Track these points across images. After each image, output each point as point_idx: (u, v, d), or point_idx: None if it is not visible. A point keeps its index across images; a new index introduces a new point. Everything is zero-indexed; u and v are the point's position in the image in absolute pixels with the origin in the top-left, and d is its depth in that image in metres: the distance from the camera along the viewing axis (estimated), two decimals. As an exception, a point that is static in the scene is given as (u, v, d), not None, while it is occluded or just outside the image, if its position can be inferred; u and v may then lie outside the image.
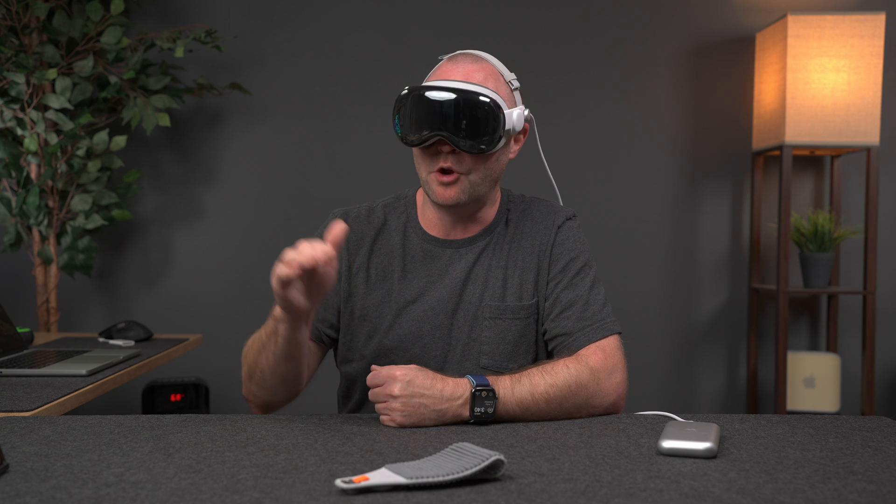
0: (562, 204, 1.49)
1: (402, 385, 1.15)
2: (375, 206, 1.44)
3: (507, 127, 1.30)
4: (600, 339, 1.32)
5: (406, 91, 1.31)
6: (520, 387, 1.20)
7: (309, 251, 1.06)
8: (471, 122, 1.27)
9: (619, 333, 1.35)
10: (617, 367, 1.29)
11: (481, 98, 1.27)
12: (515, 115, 1.32)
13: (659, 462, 0.99)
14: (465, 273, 1.38)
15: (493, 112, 1.28)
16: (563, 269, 1.38)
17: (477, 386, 1.17)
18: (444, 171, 1.31)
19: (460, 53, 1.36)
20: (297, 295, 1.11)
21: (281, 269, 1.07)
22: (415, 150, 1.34)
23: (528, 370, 1.24)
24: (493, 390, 1.17)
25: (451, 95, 1.27)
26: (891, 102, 3.01)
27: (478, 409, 1.17)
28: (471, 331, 1.36)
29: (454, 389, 1.17)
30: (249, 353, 1.30)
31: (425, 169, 1.33)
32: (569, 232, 1.41)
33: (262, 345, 1.25)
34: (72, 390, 1.56)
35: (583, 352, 1.30)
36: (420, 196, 1.44)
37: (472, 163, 1.31)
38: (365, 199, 3.06)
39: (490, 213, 1.41)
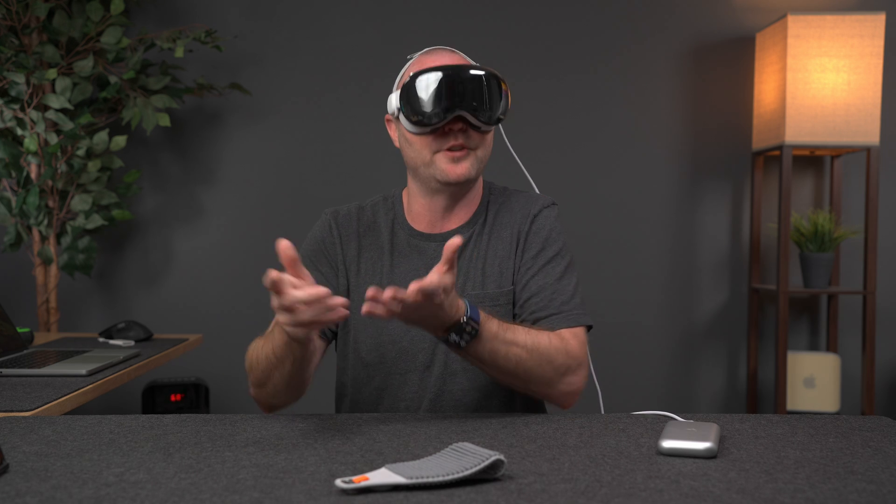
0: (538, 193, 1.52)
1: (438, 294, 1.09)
2: (365, 206, 1.48)
3: (508, 100, 1.36)
4: (568, 328, 1.32)
5: (413, 76, 1.31)
6: (502, 335, 1.20)
7: (298, 294, 1.02)
8: (486, 96, 1.31)
9: (589, 327, 1.34)
10: (583, 364, 1.30)
11: (489, 73, 1.32)
12: (509, 92, 1.39)
13: (659, 462, 0.99)
14: None
15: (500, 86, 1.33)
16: (536, 256, 1.38)
17: (468, 317, 1.15)
18: (453, 148, 1.33)
19: (434, 49, 1.40)
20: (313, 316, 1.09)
21: (298, 324, 1.04)
22: (414, 136, 1.34)
23: (515, 326, 1.24)
24: (477, 330, 1.16)
25: (466, 72, 1.30)
26: (891, 102, 3.01)
27: (454, 337, 1.16)
28: None
29: (455, 313, 1.14)
30: (257, 365, 1.27)
31: (430, 150, 1.34)
32: (545, 220, 1.41)
33: (274, 362, 1.23)
34: (72, 390, 1.56)
35: (563, 334, 1.30)
36: (406, 194, 1.46)
37: (479, 139, 1.35)
38: (364, 198, 3.06)
39: (473, 203, 1.43)
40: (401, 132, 1.38)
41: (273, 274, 1.01)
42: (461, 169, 1.33)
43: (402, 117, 1.34)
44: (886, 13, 2.99)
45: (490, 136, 1.38)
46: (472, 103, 1.30)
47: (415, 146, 1.35)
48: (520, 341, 1.22)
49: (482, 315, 1.19)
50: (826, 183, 3.04)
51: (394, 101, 1.36)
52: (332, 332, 1.42)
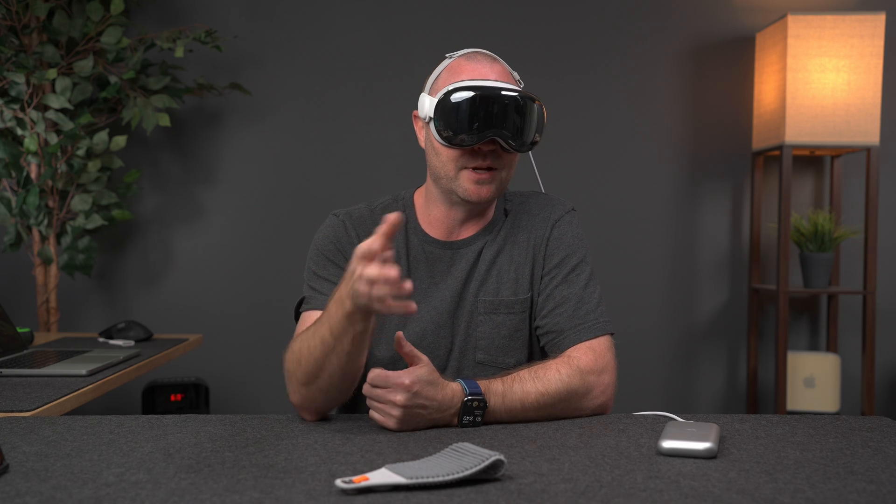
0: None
1: (409, 396, 1.12)
2: (375, 208, 1.44)
3: (543, 124, 1.34)
4: (591, 339, 1.31)
5: (453, 89, 1.28)
6: (511, 395, 1.20)
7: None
8: (523, 121, 1.29)
9: (612, 334, 1.34)
10: (607, 369, 1.29)
11: (533, 98, 1.30)
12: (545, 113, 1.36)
13: (659, 462, 0.99)
14: (465, 273, 1.38)
15: (539, 111, 1.32)
16: (559, 265, 1.37)
17: (469, 395, 1.17)
18: (478, 169, 1.31)
19: (474, 52, 1.35)
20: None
21: (379, 289, 1.04)
22: (443, 148, 1.31)
23: (520, 374, 1.23)
24: (484, 400, 1.17)
25: (509, 96, 1.27)
26: (891, 102, 3.01)
27: (466, 418, 1.17)
28: (468, 326, 1.37)
29: (451, 399, 1.16)
30: (308, 356, 1.18)
31: (456, 165, 1.31)
32: (566, 227, 1.40)
33: (330, 343, 1.15)
34: (72, 390, 1.56)
35: (573, 353, 1.29)
36: (419, 197, 1.43)
37: (508, 160, 1.33)
38: (364, 198, 3.05)
39: (490, 211, 1.42)
40: (429, 138, 1.35)
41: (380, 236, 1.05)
42: (484, 191, 1.31)
43: (433, 128, 1.31)
44: (886, 13, 2.99)
45: (517, 157, 1.36)
46: (509, 128, 1.28)
47: (441, 157, 1.32)
48: (530, 390, 1.21)
49: (481, 385, 1.19)
50: (826, 183, 3.04)
51: (427, 105, 1.33)
52: None
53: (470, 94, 1.27)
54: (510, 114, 1.27)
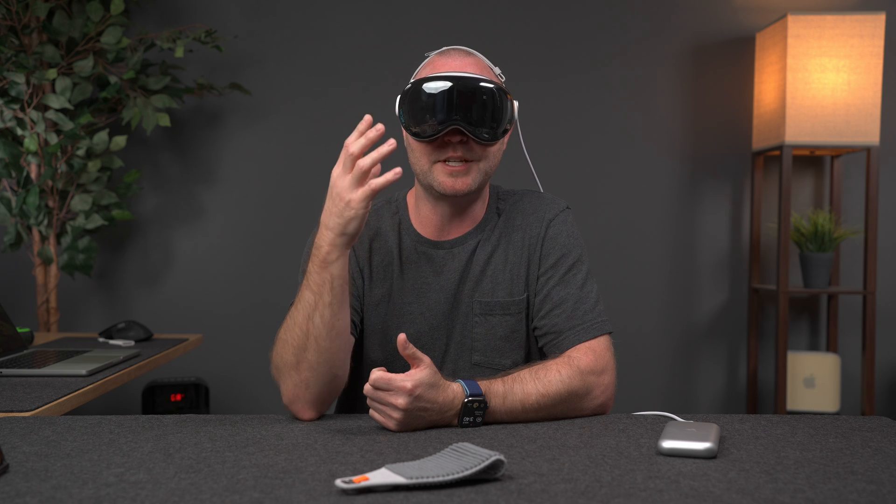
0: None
1: (410, 400, 1.12)
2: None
3: (512, 114, 1.32)
4: (591, 339, 1.31)
5: (413, 83, 1.29)
6: (512, 396, 1.20)
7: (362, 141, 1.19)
8: (484, 109, 1.27)
9: (610, 333, 1.34)
10: (607, 369, 1.29)
11: (491, 85, 1.28)
12: (514, 104, 1.34)
13: (659, 462, 0.99)
14: (458, 273, 1.37)
15: (502, 99, 1.29)
16: (555, 265, 1.36)
17: (469, 396, 1.16)
18: (451, 161, 1.30)
19: (450, 48, 1.36)
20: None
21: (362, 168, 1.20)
22: (415, 143, 1.32)
23: (521, 374, 1.23)
24: (484, 401, 1.17)
25: (465, 84, 1.26)
26: (891, 102, 3.01)
27: (466, 419, 1.17)
28: (463, 328, 1.36)
29: (452, 400, 1.16)
30: (291, 332, 1.21)
31: (428, 159, 1.31)
32: (561, 226, 1.39)
33: (310, 307, 1.18)
34: (72, 390, 1.56)
35: (573, 353, 1.29)
36: (411, 197, 1.43)
37: (481, 151, 1.31)
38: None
39: (480, 209, 1.40)
40: (405, 136, 1.36)
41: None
42: (459, 184, 1.30)
43: (402, 122, 1.31)
44: (886, 13, 2.99)
45: (496, 148, 1.33)
46: (472, 116, 1.26)
47: (415, 152, 1.33)
48: (530, 391, 1.21)
49: (482, 386, 1.18)
50: (826, 183, 3.04)
51: (398, 102, 1.34)
52: (360, 332, 1.40)
53: (430, 84, 1.27)
54: (473, 102, 1.26)
